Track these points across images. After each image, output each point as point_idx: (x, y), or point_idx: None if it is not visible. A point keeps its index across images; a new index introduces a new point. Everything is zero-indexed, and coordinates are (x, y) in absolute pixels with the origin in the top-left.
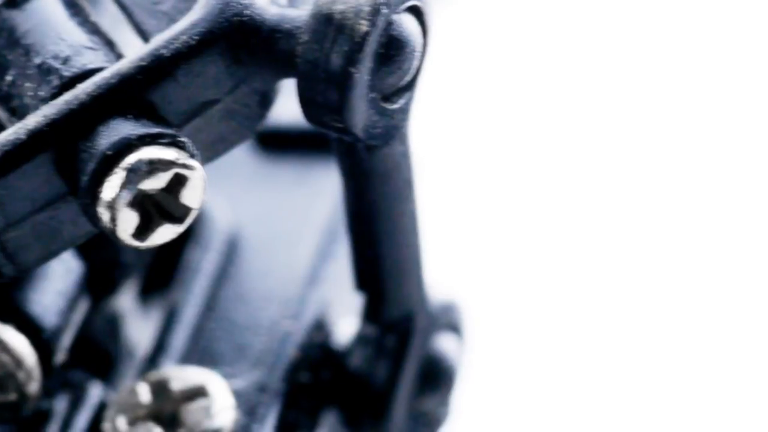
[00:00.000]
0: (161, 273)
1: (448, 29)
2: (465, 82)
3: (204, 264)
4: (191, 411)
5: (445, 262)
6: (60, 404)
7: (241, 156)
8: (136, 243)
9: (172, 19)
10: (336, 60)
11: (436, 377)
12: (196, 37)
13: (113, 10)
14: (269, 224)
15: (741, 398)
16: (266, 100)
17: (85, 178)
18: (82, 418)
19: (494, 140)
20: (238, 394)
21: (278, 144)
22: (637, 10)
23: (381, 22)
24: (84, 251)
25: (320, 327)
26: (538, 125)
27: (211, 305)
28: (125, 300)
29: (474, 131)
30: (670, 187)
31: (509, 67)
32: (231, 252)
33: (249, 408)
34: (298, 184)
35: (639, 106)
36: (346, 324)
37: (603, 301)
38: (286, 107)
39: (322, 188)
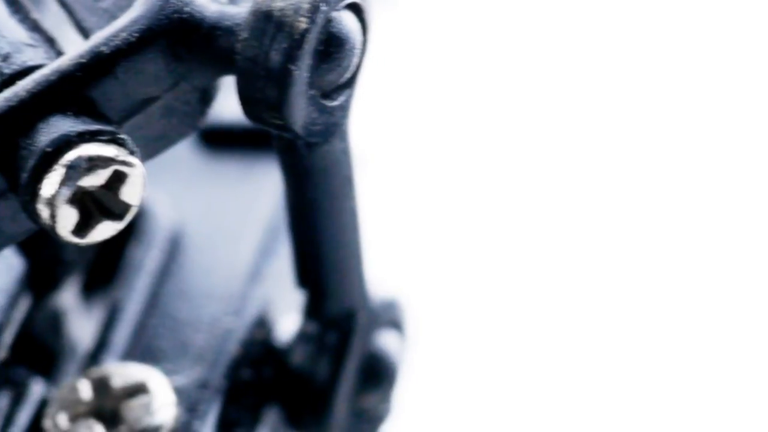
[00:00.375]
0: (104, 270)
1: (389, 31)
2: (406, 81)
3: (146, 261)
4: (132, 408)
5: (387, 259)
6: (1, 401)
7: (185, 153)
8: (75, 240)
9: (113, 17)
10: (275, 57)
11: (378, 374)
12: (136, 35)
13: (55, 8)
14: (212, 221)
15: (717, 399)
16: (207, 97)
17: (24, 175)
18: (24, 415)
19: (433, 137)
20: (179, 391)
21: (221, 141)
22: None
23: (320, 20)
24: (25, 248)
25: (262, 324)
26: (476, 121)
27: (153, 302)
28: (67, 297)
29: (414, 129)
30: (624, 173)
31: (448, 67)
32: (173, 249)
33: (190, 405)
34: (240, 181)
35: (575, 94)
36: (288, 321)
37: (544, 294)
38: (229, 104)
39: (264, 185)
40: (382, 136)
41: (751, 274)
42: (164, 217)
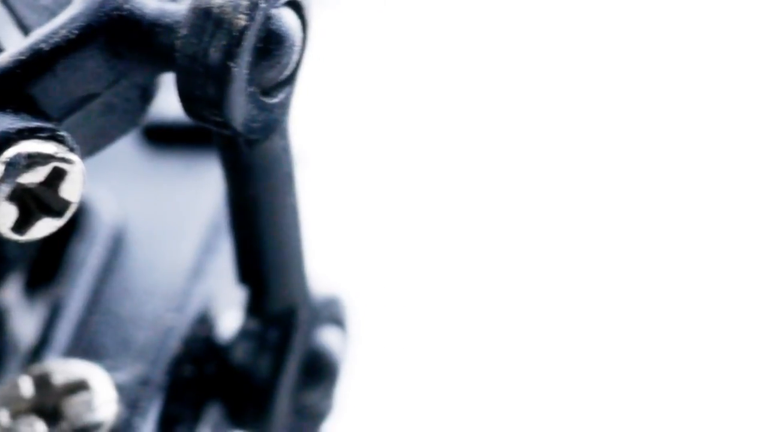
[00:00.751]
0: (46, 267)
1: (328, 30)
2: (347, 79)
3: (89, 258)
4: (73, 404)
5: (329, 257)
6: None
7: (128, 150)
8: (15, 236)
9: (53, 14)
10: (214, 54)
11: (320, 371)
12: (76, 32)
13: None
14: (154, 218)
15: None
16: (147, 94)
17: None
18: None
19: (372, 136)
20: (120, 388)
21: (164, 138)
22: None
23: (260, 17)
24: None
25: (204, 320)
26: (414, 120)
27: (95, 299)
28: (9, 294)
29: (354, 127)
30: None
31: (388, 65)
32: (116, 246)
33: (131, 401)
34: (183, 178)
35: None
36: (230, 318)
37: (487, 291)
38: (173, 101)
39: (207, 182)
40: (324, 134)
41: (750, 274)
42: (107, 214)
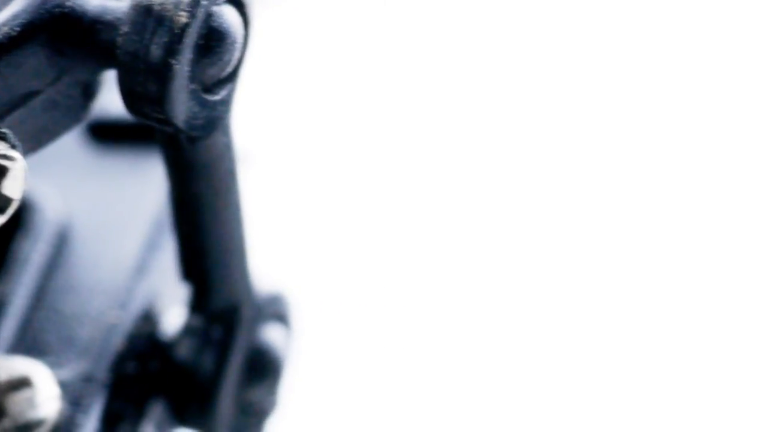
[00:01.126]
0: None
1: (272, 29)
2: (289, 78)
3: (32, 255)
4: (15, 401)
5: (273, 254)
6: None
7: (72, 147)
8: None
9: None
10: (155, 51)
11: (263, 368)
12: (17, 29)
13: None
14: (99, 215)
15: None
16: (90, 91)
17: None
18: None
19: (316, 134)
20: (63, 385)
21: (109, 135)
22: None
23: (201, 14)
24: None
25: (147, 318)
26: (359, 118)
27: (39, 296)
28: None
29: (298, 126)
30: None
31: (329, 63)
32: (60, 243)
33: (74, 398)
34: (128, 175)
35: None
36: (174, 315)
37: (425, 287)
38: (117, 98)
39: (151, 179)
40: (267, 132)
41: (750, 274)
42: (51, 211)
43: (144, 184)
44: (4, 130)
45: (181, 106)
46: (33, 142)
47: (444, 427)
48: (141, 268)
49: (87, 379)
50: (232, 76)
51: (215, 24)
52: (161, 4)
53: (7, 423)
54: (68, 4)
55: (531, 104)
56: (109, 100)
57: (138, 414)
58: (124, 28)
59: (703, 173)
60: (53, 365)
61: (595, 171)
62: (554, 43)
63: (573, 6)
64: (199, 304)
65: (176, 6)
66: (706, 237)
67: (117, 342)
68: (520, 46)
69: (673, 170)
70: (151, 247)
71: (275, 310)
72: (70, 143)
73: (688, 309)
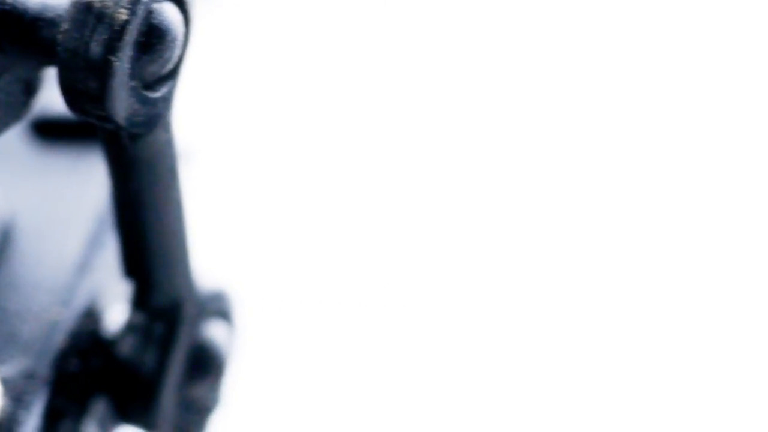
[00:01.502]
0: None
1: (215, 28)
2: (232, 77)
3: None
4: None
5: (216, 251)
6: None
7: (15, 144)
8: None
9: None
10: (96, 48)
11: (206, 365)
12: None
13: None
14: (42, 212)
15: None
16: (31, 88)
17: None
18: None
19: (260, 132)
20: (5, 381)
21: (53, 132)
22: None
23: (141, 11)
24: None
25: (90, 314)
26: (295, 116)
27: None
28: None
29: (242, 124)
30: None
31: (271, 63)
32: (2, 240)
33: (16, 395)
34: (71, 172)
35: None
36: (116, 311)
37: (367, 285)
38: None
39: (95, 176)
40: (210, 130)
41: (750, 275)
42: None
43: (86, 181)
44: None
45: (122, 103)
46: None
47: (382, 418)
48: (84, 266)
49: (29, 375)
50: (173, 74)
51: (156, 21)
52: (101, 1)
53: None
54: (8, 1)
55: (517, 102)
56: (52, 97)
57: (80, 411)
58: (65, 26)
59: (703, 173)
60: None
61: (594, 171)
62: (548, 42)
63: (573, 6)
64: (141, 301)
65: (116, 3)
66: (706, 237)
67: (59, 339)
68: (503, 44)
69: (673, 170)
70: (93, 245)
71: (218, 307)
72: (13, 141)
73: (688, 309)
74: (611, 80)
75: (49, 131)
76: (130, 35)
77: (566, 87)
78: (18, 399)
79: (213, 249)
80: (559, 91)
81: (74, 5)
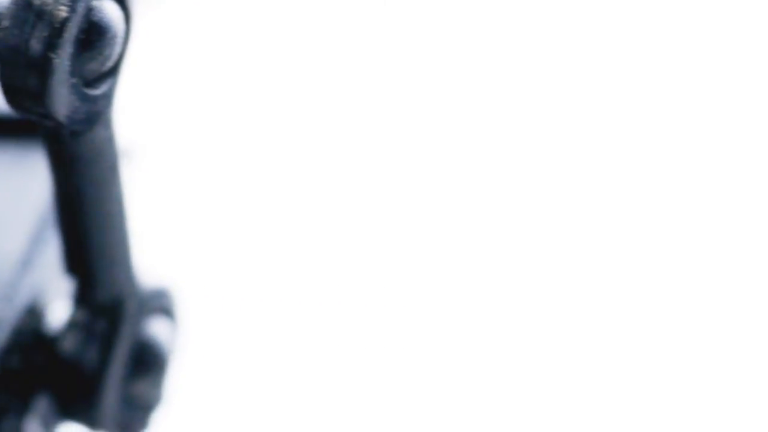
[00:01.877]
0: None
1: (157, 26)
2: (177, 75)
3: None
4: None
5: (158, 248)
6: None
7: None
8: None
9: None
10: (35, 46)
11: (148, 361)
12: None
13: None
14: None
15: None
16: None
17: None
18: None
19: (202, 130)
20: None
21: None
22: None
23: (81, 8)
24: None
25: (32, 311)
26: (239, 114)
27: None
28: None
29: (184, 122)
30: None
31: (214, 61)
32: None
33: None
34: (12, 170)
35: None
36: (59, 308)
37: (315, 282)
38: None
39: (37, 173)
40: (155, 127)
41: (750, 275)
42: None
43: (28, 178)
44: None
45: (62, 101)
46: None
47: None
48: (25, 262)
49: None
50: (114, 71)
51: (96, 18)
52: None
53: None
54: None
55: (505, 103)
56: None
57: (22, 408)
58: (5, 23)
59: (703, 173)
60: None
61: (594, 171)
62: (548, 42)
63: (573, 6)
64: (83, 297)
65: (56, 1)
66: (706, 237)
67: (1, 336)
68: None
69: (673, 170)
70: (35, 241)
71: (160, 304)
72: None
73: (688, 309)
74: (611, 80)
75: None
76: (70, 32)
77: (566, 87)
78: None
79: (155, 246)
80: (559, 91)
81: (14, 2)
